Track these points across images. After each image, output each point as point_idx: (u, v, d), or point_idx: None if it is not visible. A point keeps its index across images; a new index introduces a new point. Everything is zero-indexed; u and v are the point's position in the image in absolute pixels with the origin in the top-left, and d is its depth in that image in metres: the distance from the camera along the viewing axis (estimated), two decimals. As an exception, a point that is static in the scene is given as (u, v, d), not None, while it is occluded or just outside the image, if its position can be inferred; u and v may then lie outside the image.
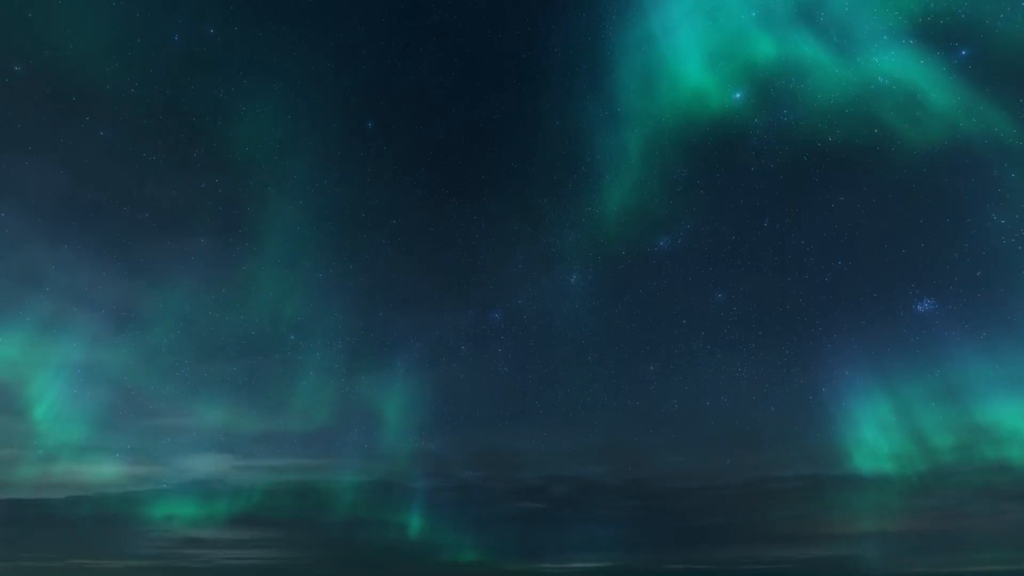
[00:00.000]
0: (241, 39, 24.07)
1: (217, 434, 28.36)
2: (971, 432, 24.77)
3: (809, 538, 26.40)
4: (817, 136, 23.49)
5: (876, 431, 26.31)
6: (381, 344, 29.20)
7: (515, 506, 29.89)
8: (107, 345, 26.15)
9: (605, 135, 26.01)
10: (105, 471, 27.75)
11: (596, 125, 26.00)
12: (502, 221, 27.51)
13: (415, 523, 29.70)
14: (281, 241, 26.92)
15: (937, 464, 25.66)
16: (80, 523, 28.18)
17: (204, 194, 25.57)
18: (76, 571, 27.19)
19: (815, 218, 25.05)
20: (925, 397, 24.98)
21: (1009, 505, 24.51)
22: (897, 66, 22.00)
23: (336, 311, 28.21)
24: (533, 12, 24.55)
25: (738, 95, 24.22)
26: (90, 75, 23.13)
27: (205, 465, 28.63)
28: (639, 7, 24.26)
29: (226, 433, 28.40)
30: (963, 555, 24.89)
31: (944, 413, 24.86)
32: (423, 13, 24.85)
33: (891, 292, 24.42)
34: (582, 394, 28.38)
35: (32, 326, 24.82)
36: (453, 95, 25.72)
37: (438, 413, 29.15)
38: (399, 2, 24.94)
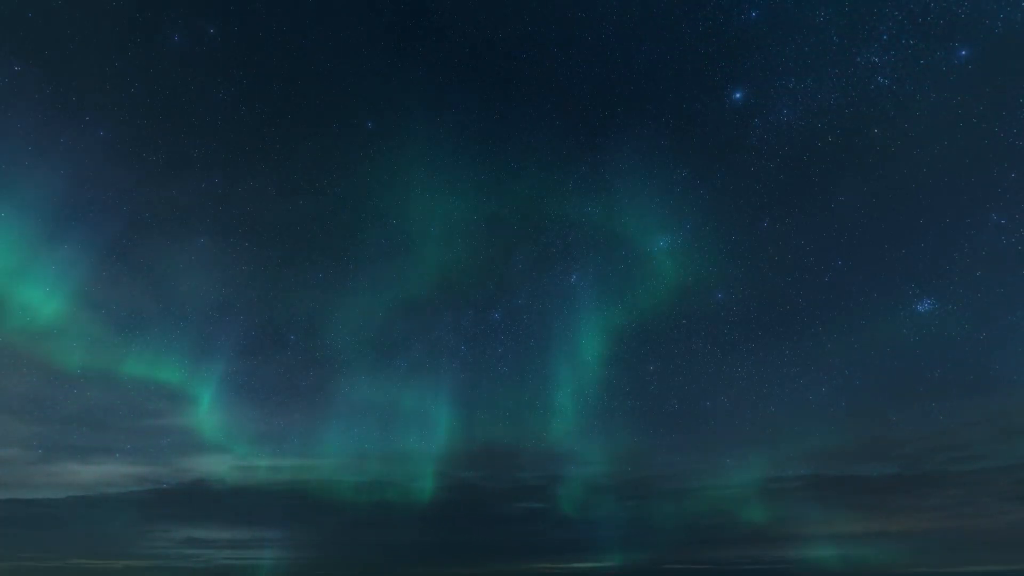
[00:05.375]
0: (241, 39, 24.09)
1: (217, 434, 28.42)
2: (972, 432, 24.86)
3: (808, 538, 26.41)
4: (817, 136, 23.52)
5: (876, 431, 26.36)
6: (381, 344, 29.26)
7: (515, 506, 29.93)
8: (107, 345, 26.18)
9: (605, 134, 26.08)
10: (105, 471, 27.80)
11: (596, 124, 26.08)
12: (502, 221, 27.55)
13: (415, 523, 29.71)
14: (281, 241, 26.98)
15: (937, 464, 25.73)
16: (80, 523, 28.21)
17: (204, 194, 25.59)
18: (76, 571, 27.20)
19: (815, 218, 25.08)
20: (925, 397, 25.02)
21: (1009, 505, 24.55)
22: (897, 66, 22.05)
23: (336, 311, 28.28)
24: (533, 12, 24.54)
25: (738, 95, 24.26)
26: (90, 75, 23.17)
27: (205, 465, 28.69)
28: (639, 5, 24.29)
29: (226, 433, 28.46)
30: (963, 555, 24.92)
31: (944, 413, 24.91)
32: (423, 13, 24.87)
33: (891, 292, 24.45)
34: (583, 394, 28.43)
35: (32, 326, 24.87)
36: (453, 95, 25.74)
37: (438, 413, 29.20)
38: (399, 2, 24.97)
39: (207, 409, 28.07)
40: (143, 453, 27.91)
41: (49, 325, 24.93)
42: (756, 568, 27.09)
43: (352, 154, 26.11)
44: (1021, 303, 22.72)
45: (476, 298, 28.94)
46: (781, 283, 25.85)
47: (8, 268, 23.94)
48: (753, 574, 27.03)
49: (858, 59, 22.31)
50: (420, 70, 25.32)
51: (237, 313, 27.12)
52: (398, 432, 29.05)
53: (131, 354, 26.38)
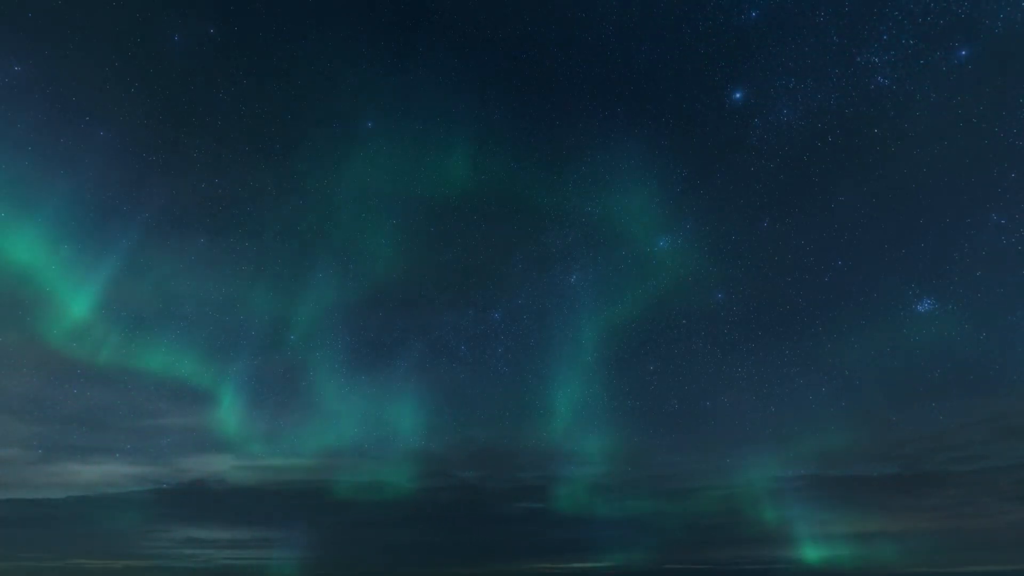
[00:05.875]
0: (241, 39, 24.10)
1: (217, 434, 28.43)
2: (972, 432, 24.86)
3: (808, 538, 26.41)
4: (817, 136, 23.53)
5: (877, 431, 26.36)
6: (381, 344, 29.26)
7: (515, 506, 29.93)
8: (106, 345, 26.15)
9: (605, 134, 26.08)
10: (105, 471, 27.81)
11: (596, 124, 26.09)
12: (502, 221, 27.56)
13: (415, 523, 29.72)
14: (281, 241, 26.96)
15: (937, 464, 25.73)
16: (80, 523, 28.21)
17: (204, 194, 25.57)
18: (76, 571, 27.20)
19: (815, 218, 25.10)
20: (925, 397, 25.02)
21: (1009, 505, 24.56)
22: (897, 66, 22.07)
23: (336, 311, 28.27)
24: (533, 12, 24.56)
25: (738, 95, 24.26)
26: (90, 75, 23.17)
27: (205, 465, 28.70)
28: (639, 5, 24.32)
29: (226, 433, 28.45)
30: (963, 555, 24.92)
31: (944, 413, 24.92)
32: (423, 13, 24.88)
33: (891, 292, 24.45)
34: (583, 394, 28.43)
35: (32, 326, 24.87)
36: (453, 95, 25.74)
37: (438, 413, 29.21)
38: (399, 2, 24.98)
39: (207, 409, 28.12)
40: (143, 453, 27.98)
41: (47, 325, 24.99)
42: (756, 568, 27.11)
43: (352, 154, 26.16)
44: (1021, 303, 22.76)
45: (476, 298, 29.02)
46: (781, 283, 25.91)
47: (8, 268, 23.99)
48: (753, 574, 27.04)
49: (858, 59, 22.35)
50: (420, 70, 25.34)
51: (237, 313, 27.14)
52: (398, 432, 29.08)
53: (131, 354, 26.42)
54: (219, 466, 28.76)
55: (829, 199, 24.42)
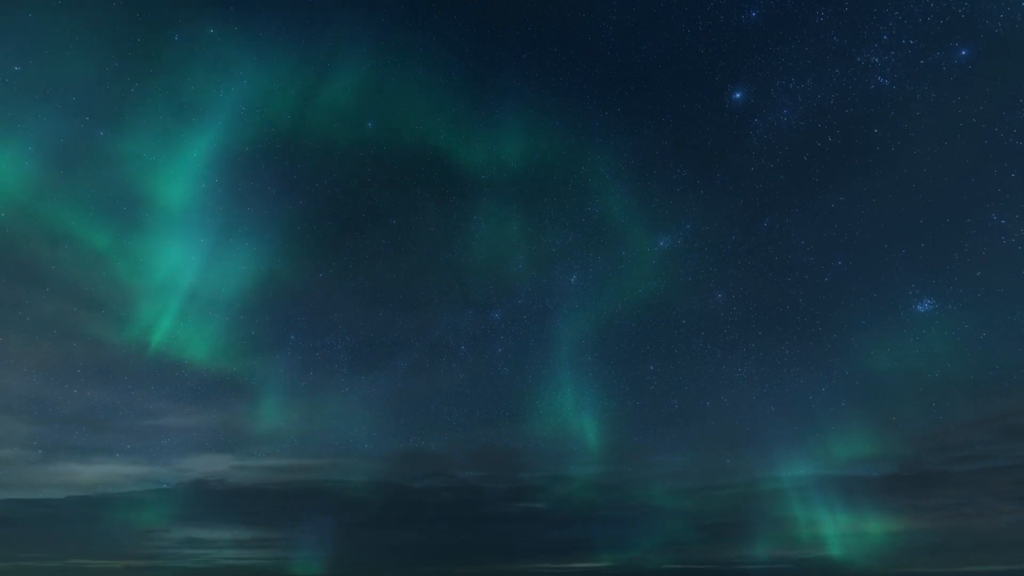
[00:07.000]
0: (241, 39, 24.09)
1: (217, 434, 28.44)
2: (972, 432, 24.86)
3: (808, 538, 26.44)
4: (817, 136, 23.53)
5: (877, 431, 26.36)
6: (381, 344, 29.28)
7: (515, 506, 29.94)
8: (107, 346, 26.18)
9: (605, 134, 26.10)
10: (105, 471, 27.81)
11: (596, 124, 26.10)
12: (502, 221, 27.57)
13: (415, 523, 29.74)
14: (281, 241, 26.97)
15: (937, 464, 25.74)
16: (80, 523, 28.22)
17: (204, 194, 25.58)
18: (76, 571, 27.23)
19: (815, 218, 25.08)
20: (925, 397, 25.02)
21: (1009, 505, 24.57)
22: (897, 66, 22.07)
23: (336, 311, 28.30)
24: (533, 12, 24.60)
25: (738, 95, 24.27)
26: (90, 75, 23.15)
27: (205, 465, 28.70)
28: (639, 5, 24.34)
29: (226, 433, 28.47)
30: (963, 555, 24.93)
31: (944, 413, 24.92)
32: (423, 13, 24.91)
33: (891, 292, 24.44)
34: (583, 394, 28.44)
35: (32, 326, 24.86)
36: (452, 95, 25.76)
37: (438, 413, 29.21)
38: (399, 2, 25.01)
39: (207, 409, 28.13)
40: (143, 453, 27.95)
41: (48, 325, 24.99)
42: (756, 568, 27.09)
43: (353, 154, 26.17)
44: (1021, 303, 22.73)
45: (476, 298, 29.01)
46: (781, 283, 25.91)
47: (8, 268, 24.00)
48: (753, 574, 27.03)
49: (858, 59, 22.36)
50: (420, 69, 25.37)
51: (237, 313, 27.14)
52: (397, 432, 29.11)
53: (131, 354, 26.42)
54: (219, 466, 28.80)
55: (829, 199, 24.44)
